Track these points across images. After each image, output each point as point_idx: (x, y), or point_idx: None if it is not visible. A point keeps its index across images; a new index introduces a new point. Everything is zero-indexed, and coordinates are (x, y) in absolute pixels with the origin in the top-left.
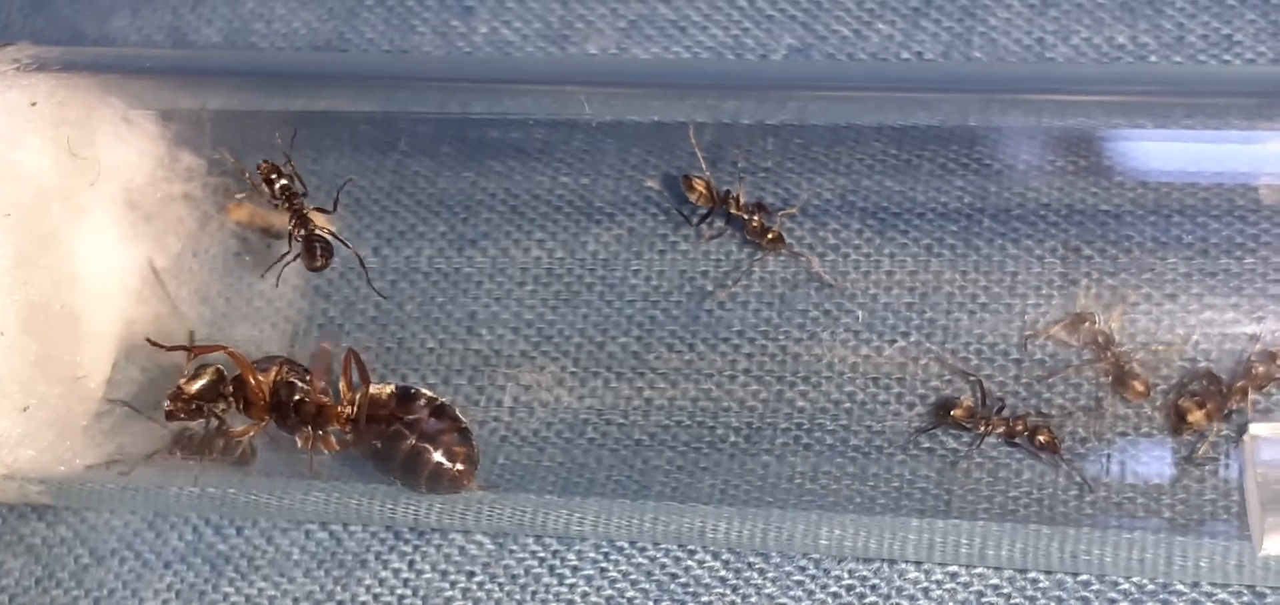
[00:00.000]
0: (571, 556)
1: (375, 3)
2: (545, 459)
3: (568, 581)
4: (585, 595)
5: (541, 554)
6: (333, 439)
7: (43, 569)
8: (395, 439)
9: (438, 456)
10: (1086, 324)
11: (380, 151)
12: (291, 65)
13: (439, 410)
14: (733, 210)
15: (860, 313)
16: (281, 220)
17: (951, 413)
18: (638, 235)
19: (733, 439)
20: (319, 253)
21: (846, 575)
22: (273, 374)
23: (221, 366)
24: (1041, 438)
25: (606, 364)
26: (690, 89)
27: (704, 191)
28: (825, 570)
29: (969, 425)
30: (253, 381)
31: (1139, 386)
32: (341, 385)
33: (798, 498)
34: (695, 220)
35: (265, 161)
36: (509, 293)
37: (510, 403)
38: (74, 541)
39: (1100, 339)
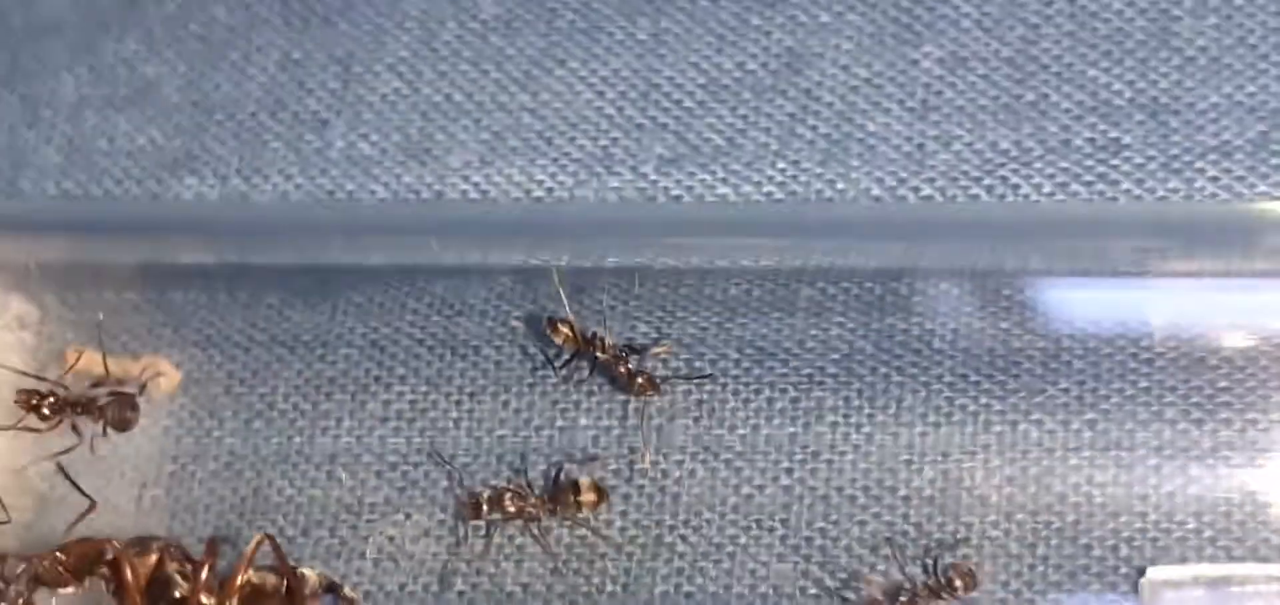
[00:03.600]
0: None
1: (225, 117)
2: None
3: None
4: None
5: None
6: None
7: None
8: None
9: None
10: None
11: (230, 287)
12: (123, 217)
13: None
14: (600, 355)
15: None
16: (125, 364)
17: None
18: (505, 370)
19: (610, 588)
20: (129, 409)
21: None
22: (152, 560)
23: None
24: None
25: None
26: (552, 232)
27: (569, 335)
28: None
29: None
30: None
31: (963, 582)
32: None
33: None
34: (560, 364)
35: (26, 393)
36: (371, 431)
37: (374, 555)
38: None
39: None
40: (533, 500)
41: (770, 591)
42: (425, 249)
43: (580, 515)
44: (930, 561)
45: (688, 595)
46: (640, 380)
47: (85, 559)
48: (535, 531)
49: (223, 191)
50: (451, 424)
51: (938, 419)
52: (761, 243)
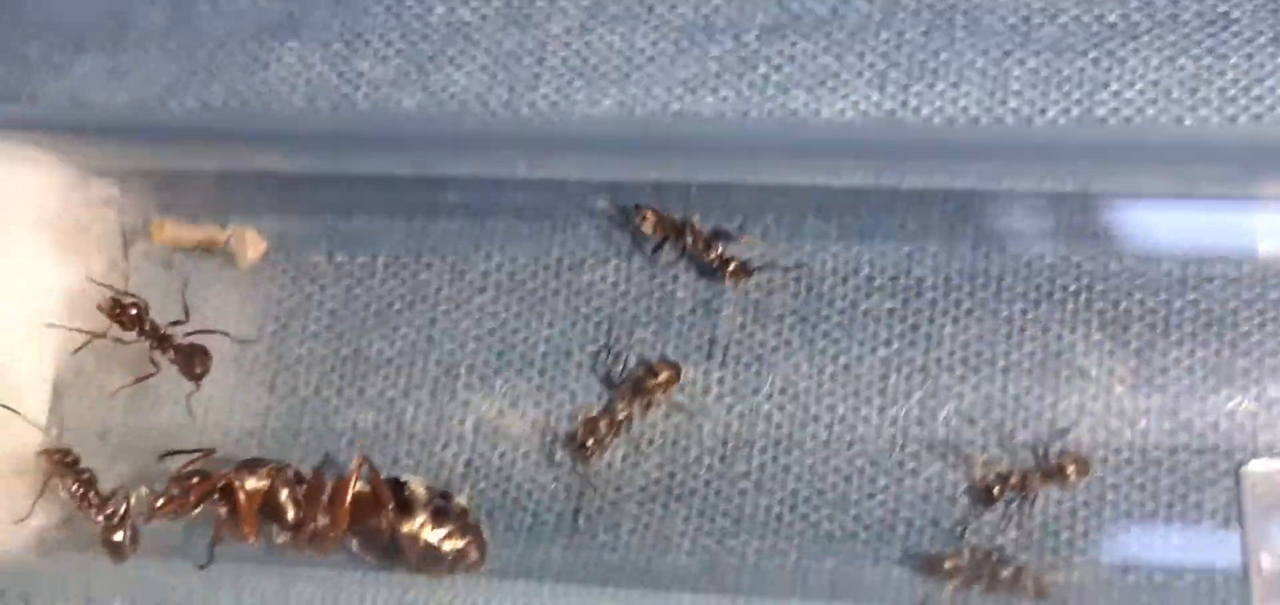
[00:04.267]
0: None
1: None
2: (512, 488)
3: None
4: None
5: None
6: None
7: None
8: (403, 544)
9: (448, 557)
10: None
11: (333, 154)
12: (217, 124)
13: (440, 512)
14: (690, 244)
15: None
16: (211, 232)
17: (944, 566)
18: (606, 242)
19: (708, 461)
20: (200, 361)
21: None
22: (263, 484)
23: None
24: (1026, 583)
25: (573, 374)
26: (644, 150)
27: (656, 223)
28: None
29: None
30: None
31: (1075, 468)
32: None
33: (776, 528)
34: (650, 251)
35: (110, 300)
36: (469, 298)
37: (474, 422)
38: None
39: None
40: (620, 407)
41: (867, 465)
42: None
43: (661, 396)
44: (1042, 447)
45: (785, 468)
46: (732, 267)
47: (199, 489)
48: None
49: (324, 56)
50: (550, 294)
51: (1037, 296)
52: (860, 162)
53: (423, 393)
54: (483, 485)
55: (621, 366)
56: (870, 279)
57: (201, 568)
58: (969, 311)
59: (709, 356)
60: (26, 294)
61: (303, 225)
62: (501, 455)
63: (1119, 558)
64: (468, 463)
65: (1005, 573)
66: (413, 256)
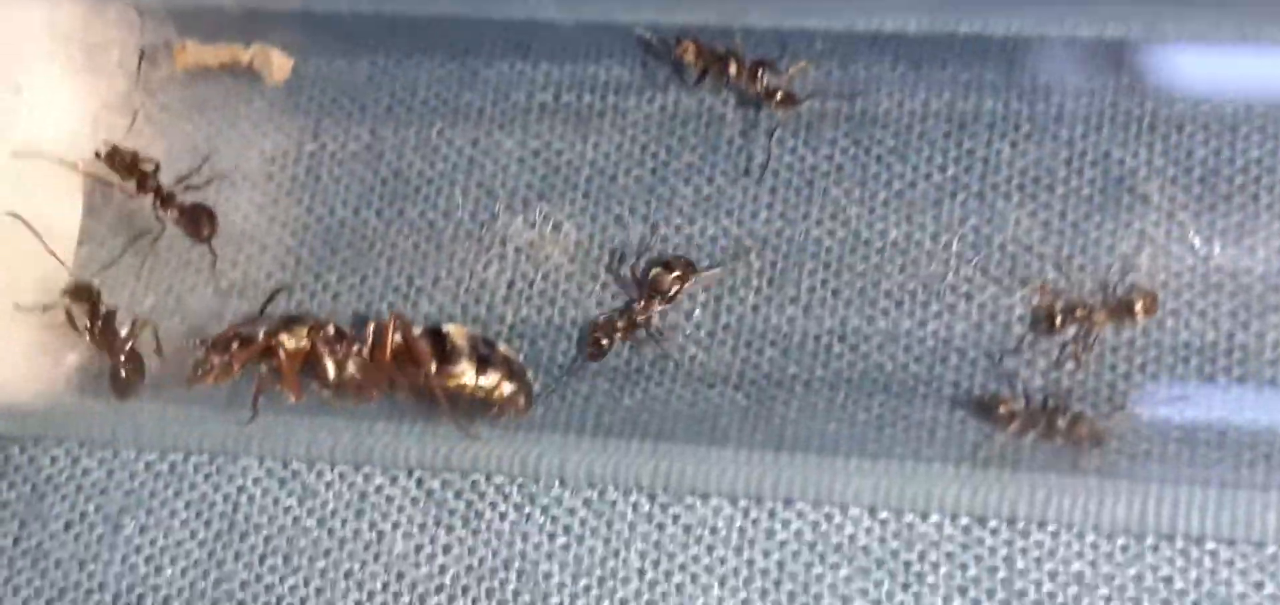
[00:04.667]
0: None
1: None
2: (555, 312)
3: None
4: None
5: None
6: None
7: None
8: (448, 393)
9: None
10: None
11: None
12: None
13: (484, 360)
14: (734, 75)
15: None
16: (235, 52)
17: (998, 411)
18: (653, 70)
19: (755, 283)
20: (206, 223)
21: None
22: (304, 342)
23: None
24: (1082, 431)
25: (618, 198)
26: None
27: (698, 53)
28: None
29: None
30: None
31: (1144, 304)
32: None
33: (825, 357)
34: (692, 83)
35: (98, 155)
36: (512, 121)
37: (516, 243)
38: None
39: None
40: (638, 309)
41: (920, 290)
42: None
43: (671, 297)
44: (1111, 284)
45: (835, 292)
46: (779, 97)
47: (240, 356)
48: (652, 334)
49: None
50: (596, 117)
51: (1099, 121)
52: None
53: (464, 214)
54: (525, 310)
55: (644, 261)
56: (925, 103)
57: (247, 424)
58: (1027, 135)
59: (758, 180)
60: (49, 120)
61: (338, 46)
62: (544, 278)
63: (1178, 389)
64: (509, 284)
65: (1061, 420)
66: (455, 77)
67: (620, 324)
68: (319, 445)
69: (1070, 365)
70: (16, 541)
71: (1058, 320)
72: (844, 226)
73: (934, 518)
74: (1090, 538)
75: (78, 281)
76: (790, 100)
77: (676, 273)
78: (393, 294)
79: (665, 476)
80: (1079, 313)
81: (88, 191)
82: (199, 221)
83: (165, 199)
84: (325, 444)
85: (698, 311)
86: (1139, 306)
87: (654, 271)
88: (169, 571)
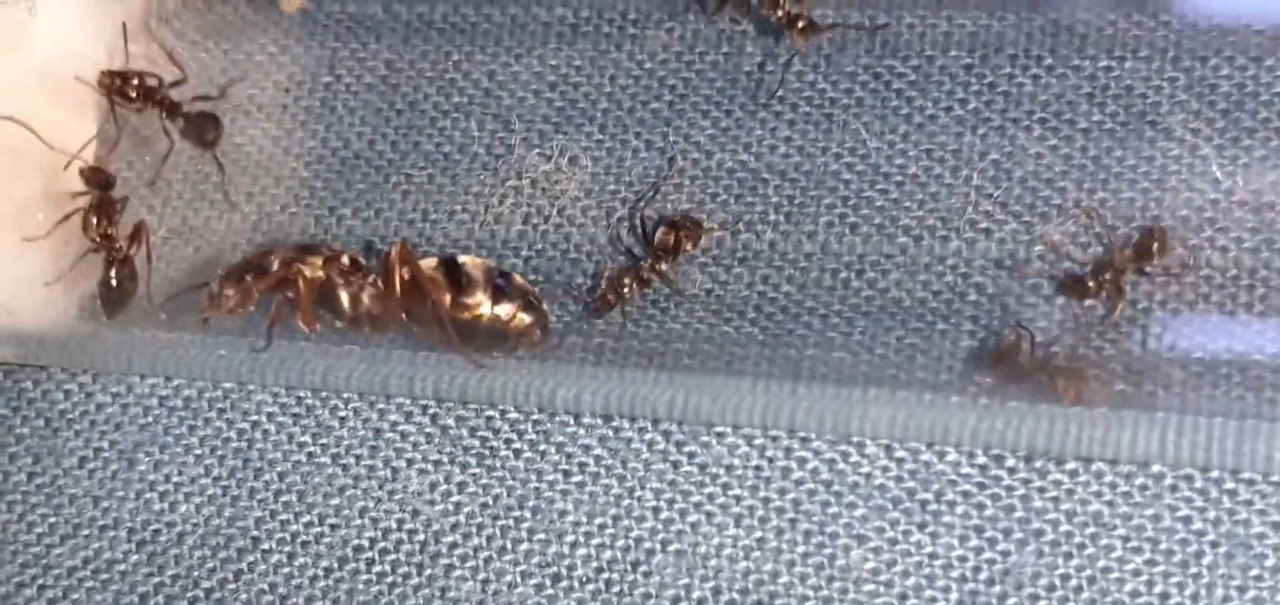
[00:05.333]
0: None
1: None
2: (571, 246)
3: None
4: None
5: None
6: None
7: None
8: (464, 323)
9: (513, 332)
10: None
11: None
12: None
13: (500, 290)
14: (755, 2)
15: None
16: None
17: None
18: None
19: (774, 217)
20: (211, 128)
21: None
22: (319, 271)
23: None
24: (1071, 390)
25: (635, 130)
26: None
27: None
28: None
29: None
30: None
31: (1158, 244)
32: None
33: (843, 292)
34: (710, 12)
35: (104, 73)
36: (530, 49)
37: (531, 176)
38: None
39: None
40: (645, 267)
41: (939, 225)
42: None
43: (678, 256)
44: (1134, 234)
45: (852, 227)
46: (800, 24)
47: (258, 287)
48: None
49: None
50: (613, 47)
51: (1123, 53)
52: None
53: (479, 146)
54: (540, 244)
55: (652, 216)
56: (947, 35)
57: (260, 350)
58: (1050, 68)
59: (769, 106)
60: (63, 42)
61: None
62: (560, 211)
63: (1199, 321)
64: (525, 217)
65: (1062, 380)
66: (471, 5)
67: (627, 279)
68: (334, 376)
69: (1114, 324)
70: (31, 476)
71: (1089, 284)
72: (863, 158)
73: (951, 455)
74: (1109, 477)
75: (94, 167)
76: (811, 28)
77: (683, 233)
78: (407, 227)
79: (681, 410)
80: (1107, 274)
81: (101, 115)
82: (204, 128)
83: (170, 108)
84: (340, 375)
85: (714, 245)
86: (1155, 246)
87: (660, 231)
88: (184, 507)
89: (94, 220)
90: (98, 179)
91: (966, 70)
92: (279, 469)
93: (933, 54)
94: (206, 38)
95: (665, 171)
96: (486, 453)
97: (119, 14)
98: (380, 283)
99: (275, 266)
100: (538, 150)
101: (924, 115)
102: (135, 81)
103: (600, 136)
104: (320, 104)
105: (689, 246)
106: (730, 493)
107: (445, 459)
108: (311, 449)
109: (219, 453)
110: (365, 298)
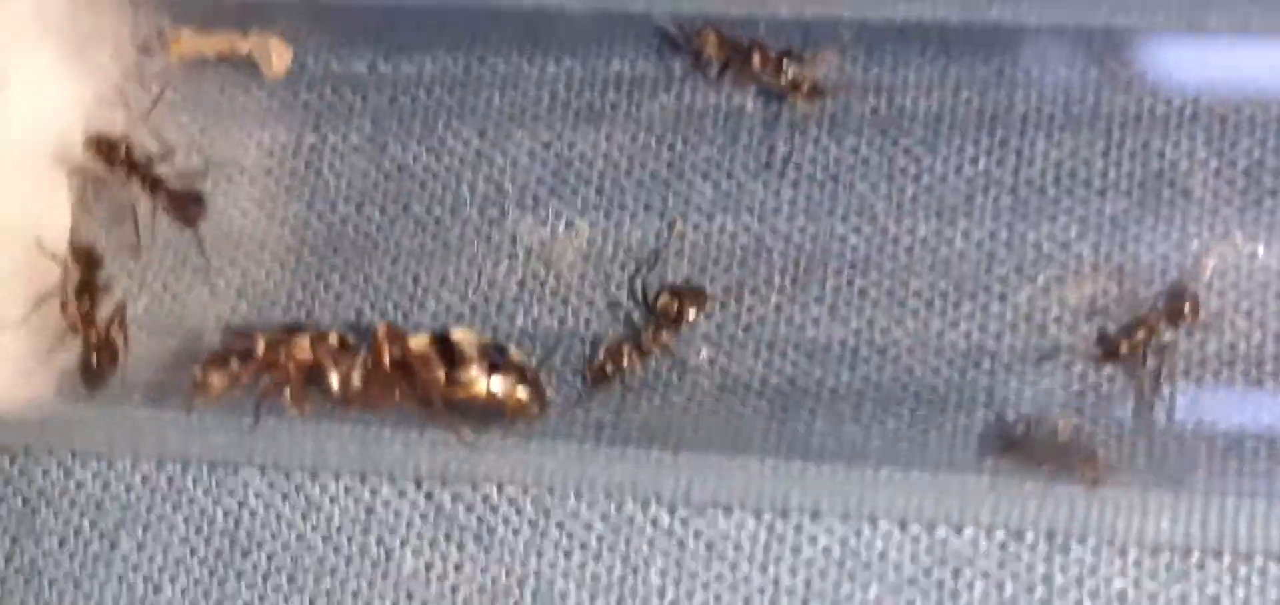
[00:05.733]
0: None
1: None
2: (568, 313)
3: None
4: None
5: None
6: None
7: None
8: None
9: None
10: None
11: None
12: None
13: (495, 366)
14: (758, 67)
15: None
16: (233, 41)
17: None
18: (670, 59)
19: (779, 282)
20: (195, 208)
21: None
22: (308, 354)
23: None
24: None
25: (633, 194)
26: None
27: (719, 44)
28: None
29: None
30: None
31: (1191, 303)
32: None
33: (851, 361)
34: (712, 75)
35: (91, 137)
36: (523, 111)
37: (527, 244)
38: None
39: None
40: (646, 337)
41: (951, 289)
42: None
43: (688, 326)
44: (1155, 292)
45: (861, 292)
46: (805, 88)
47: (245, 372)
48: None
49: None
50: (609, 108)
51: (1138, 111)
52: None
53: (472, 212)
54: (536, 311)
55: (654, 284)
56: (956, 92)
57: (249, 431)
58: (1062, 127)
59: (780, 175)
60: (38, 113)
61: (340, 35)
62: (556, 278)
63: (1223, 395)
64: (520, 284)
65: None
66: (462, 67)
67: (626, 350)
68: (323, 455)
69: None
70: (9, 559)
71: (1122, 349)
72: (871, 222)
73: (968, 532)
74: (1133, 553)
75: (78, 243)
76: (817, 92)
77: (686, 301)
78: (399, 293)
79: (686, 488)
80: (1141, 332)
81: (79, 188)
82: (187, 207)
83: (153, 183)
84: (330, 454)
85: (718, 313)
86: (1187, 307)
87: (662, 299)
88: (168, 591)
89: (75, 300)
90: (85, 258)
91: (977, 132)
92: (267, 549)
93: (941, 115)
94: (187, 103)
95: (665, 237)
96: (484, 532)
97: (94, 83)
98: (369, 362)
99: (261, 349)
100: (533, 217)
101: (934, 177)
102: (122, 150)
103: (597, 199)
104: (305, 169)
105: (692, 315)
106: (738, 572)
107: (441, 538)
108: (300, 529)
109: (204, 533)
110: (355, 378)
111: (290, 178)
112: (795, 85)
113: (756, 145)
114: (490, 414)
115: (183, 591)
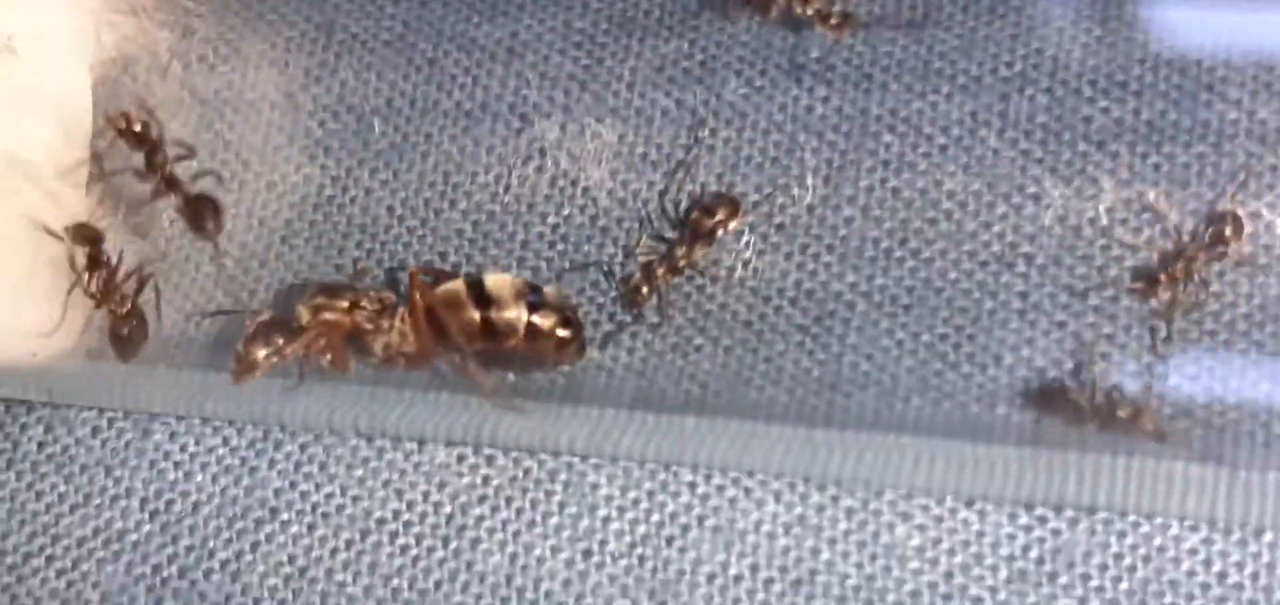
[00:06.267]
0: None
1: None
2: (599, 213)
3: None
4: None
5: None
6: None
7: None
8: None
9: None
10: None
11: None
12: None
13: (534, 305)
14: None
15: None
16: None
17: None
18: None
19: (812, 182)
20: (210, 217)
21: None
22: (346, 316)
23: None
24: (1147, 425)
25: (665, 90)
26: None
27: None
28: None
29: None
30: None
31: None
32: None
33: (885, 263)
34: (730, 11)
35: (120, 114)
36: (555, 17)
37: (555, 142)
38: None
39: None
40: (679, 253)
41: (985, 190)
42: None
43: (721, 237)
44: (1203, 219)
45: (894, 192)
46: (833, 20)
47: (289, 347)
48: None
49: None
50: (641, 13)
51: (1178, 13)
52: None
53: (502, 107)
54: (567, 209)
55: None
56: (991, 8)
57: (292, 389)
58: (1099, 38)
59: (813, 77)
60: (49, 74)
61: None
62: (586, 176)
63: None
64: (551, 182)
65: (1123, 412)
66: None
67: (660, 271)
68: (368, 415)
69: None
70: (41, 446)
71: (1160, 278)
72: (905, 122)
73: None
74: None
75: (81, 223)
76: (847, 23)
77: (719, 216)
78: (429, 191)
79: (721, 455)
80: (1179, 263)
81: (89, 141)
82: (201, 215)
83: (170, 182)
84: (375, 414)
85: (751, 214)
86: (1228, 231)
87: (695, 214)
88: (199, 477)
89: (88, 278)
90: (85, 235)
91: (1012, 38)
92: (300, 440)
93: (977, 14)
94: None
95: (695, 141)
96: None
97: (104, 44)
98: (408, 319)
99: (304, 317)
100: (561, 115)
101: (969, 76)
102: (139, 131)
103: (628, 95)
104: (335, 59)
105: (725, 228)
106: (770, 467)
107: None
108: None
109: (237, 424)
110: (395, 336)
111: (319, 69)
112: (824, 18)
113: (788, 43)
114: (530, 360)
115: (214, 477)
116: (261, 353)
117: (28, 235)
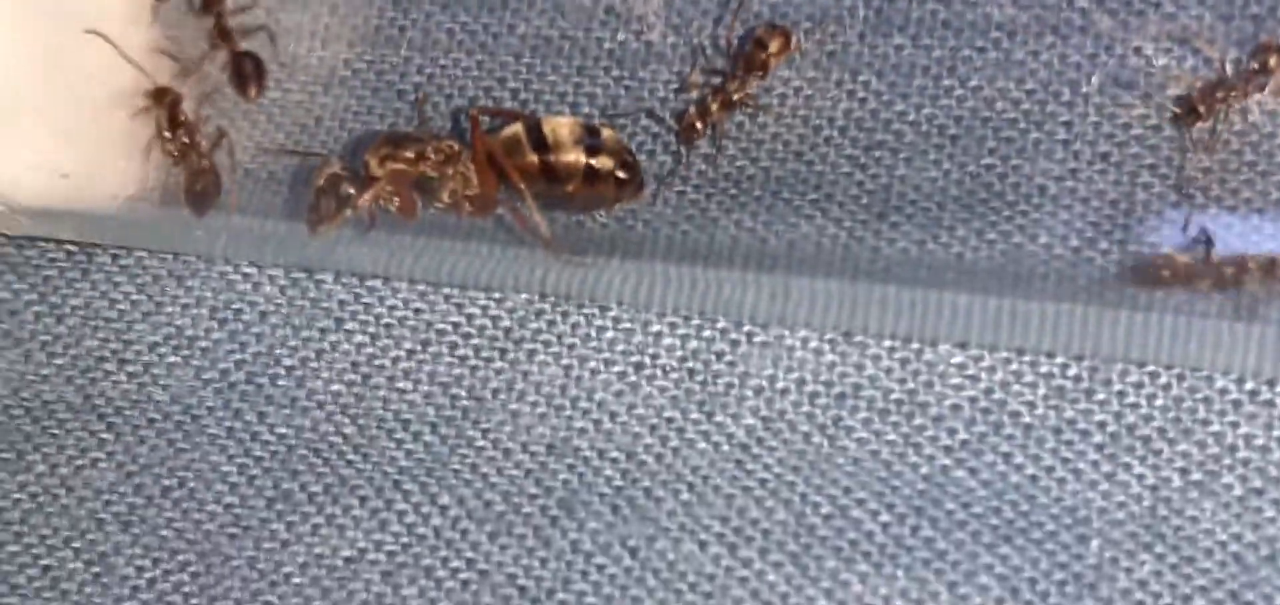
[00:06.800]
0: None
1: None
2: (655, 36)
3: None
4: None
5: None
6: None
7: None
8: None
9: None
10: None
11: None
12: None
13: (593, 148)
14: None
15: None
16: None
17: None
18: None
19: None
20: (252, 78)
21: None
22: (412, 165)
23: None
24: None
25: None
26: None
27: None
28: None
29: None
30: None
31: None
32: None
33: (935, 86)
34: None
35: None
36: None
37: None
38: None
39: None
40: (732, 86)
41: (1032, 19)
42: None
43: (774, 66)
44: (1243, 54)
45: (944, 21)
46: None
47: (358, 197)
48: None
49: None
50: None
51: None
52: None
53: None
54: (623, 35)
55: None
56: None
57: (366, 232)
58: None
59: None
60: None
61: None
62: (642, 16)
63: None
64: (607, 8)
65: (1229, 270)
66: None
67: (714, 105)
68: (426, 261)
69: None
70: (115, 256)
71: (1201, 108)
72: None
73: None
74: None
75: (158, 86)
76: None
77: (773, 47)
78: (488, 15)
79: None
80: (1220, 93)
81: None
82: (244, 75)
83: (223, 32)
84: (434, 261)
85: (803, 40)
86: (1272, 60)
87: (749, 45)
88: (267, 288)
89: (169, 132)
90: (160, 97)
91: None
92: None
93: None
94: None
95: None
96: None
97: None
98: (472, 160)
99: (373, 167)
100: None
101: None
102: None
103: None
104: None
105: (778, 59)
106: (818, 283)
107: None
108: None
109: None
110: (459, 182)
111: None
112: None
113: None
114: (588, 201)
115: (282, 289)
116: (333, 204)
117: (103, 85)
